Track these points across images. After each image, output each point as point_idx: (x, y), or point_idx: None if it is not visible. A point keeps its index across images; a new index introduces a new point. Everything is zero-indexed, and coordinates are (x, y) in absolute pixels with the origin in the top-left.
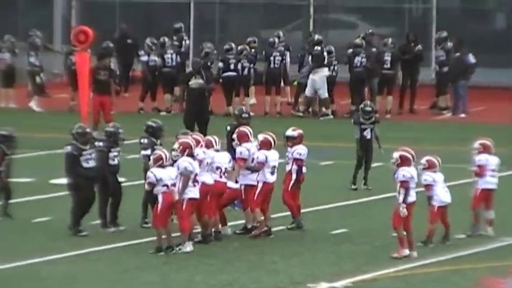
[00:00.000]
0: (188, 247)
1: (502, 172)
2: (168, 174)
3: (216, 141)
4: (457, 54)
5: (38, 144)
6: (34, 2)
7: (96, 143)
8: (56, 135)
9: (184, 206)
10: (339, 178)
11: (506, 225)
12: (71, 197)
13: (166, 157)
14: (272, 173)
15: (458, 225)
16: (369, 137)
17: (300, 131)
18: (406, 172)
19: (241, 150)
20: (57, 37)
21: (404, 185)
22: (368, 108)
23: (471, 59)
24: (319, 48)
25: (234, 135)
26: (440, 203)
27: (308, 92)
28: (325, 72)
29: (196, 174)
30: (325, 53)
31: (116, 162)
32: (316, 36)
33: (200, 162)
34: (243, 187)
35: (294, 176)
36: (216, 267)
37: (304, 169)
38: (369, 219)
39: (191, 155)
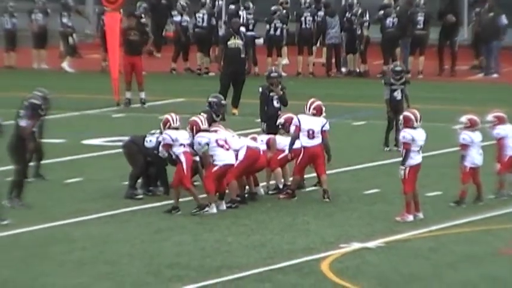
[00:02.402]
0: (214, 208)
1: None
2: (182, 135)
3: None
4: (491, 14)
5: (70, 105)
6: None
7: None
8: (87, 96)
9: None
10: (371, 138)
11: None
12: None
13: (173, 119)
14: (311, 138)
15: (490, 186)
16: (399, 97)
17: (288, 115)
18: (407, 134)
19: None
20: None
21: (405, 146)
22: (398, 68)
23: (504, 20)
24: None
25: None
26: (471, 164)
27: None
28: None
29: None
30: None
31: None
32: None
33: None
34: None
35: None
36: (249, 228)
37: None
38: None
39: (199, 130)
